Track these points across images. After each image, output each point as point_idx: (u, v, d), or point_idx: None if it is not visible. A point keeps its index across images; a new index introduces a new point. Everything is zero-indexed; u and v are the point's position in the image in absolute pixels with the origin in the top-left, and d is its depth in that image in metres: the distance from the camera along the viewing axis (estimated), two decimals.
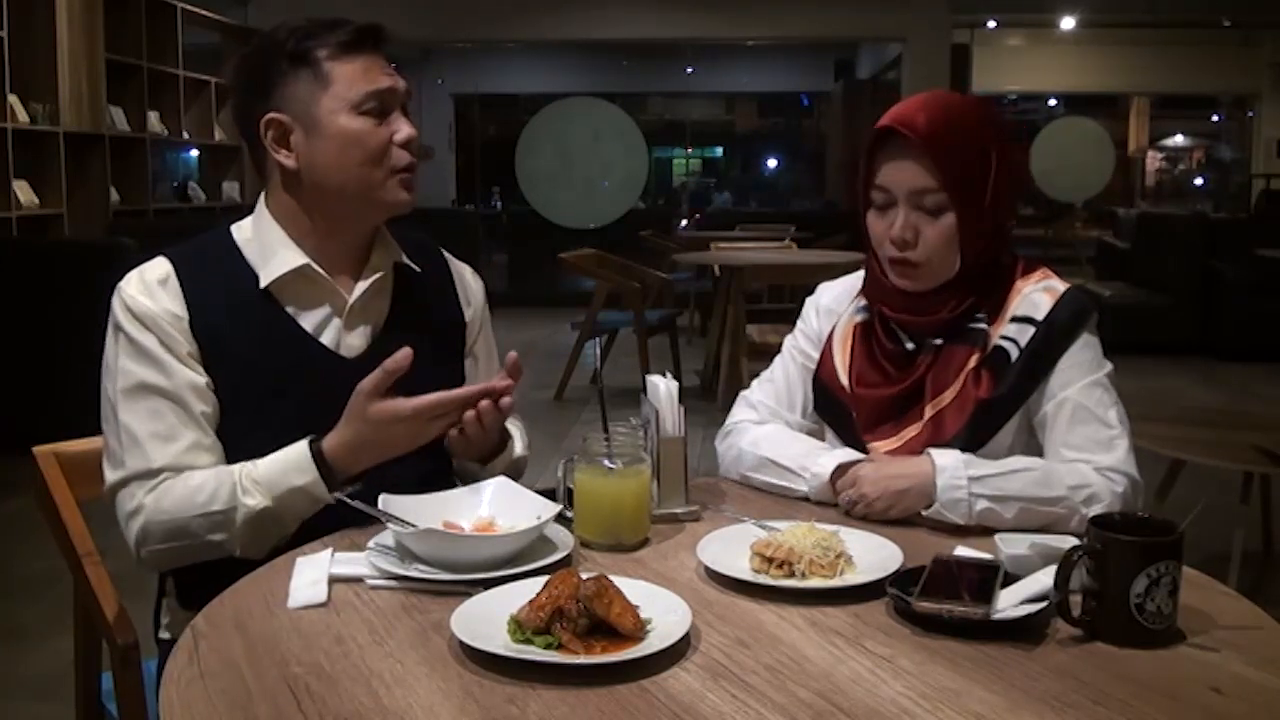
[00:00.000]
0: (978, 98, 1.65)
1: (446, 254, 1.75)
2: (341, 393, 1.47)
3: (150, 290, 1.50)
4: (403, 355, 1.44)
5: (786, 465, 1.60)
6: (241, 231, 1.59)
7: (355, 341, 1.58)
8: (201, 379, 1.49)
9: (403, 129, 1.55)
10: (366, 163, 1.52)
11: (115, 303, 1.51)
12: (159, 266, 1.53)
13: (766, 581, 1.25)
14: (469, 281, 1.75)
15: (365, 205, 1.56)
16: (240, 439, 1.49)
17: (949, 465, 1.46)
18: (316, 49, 1.52)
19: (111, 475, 1.48)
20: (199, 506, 1.43)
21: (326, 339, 1.56)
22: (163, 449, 1.46)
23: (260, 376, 1.51)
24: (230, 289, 1.53)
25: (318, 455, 1.45)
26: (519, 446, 1.69)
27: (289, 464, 1.46)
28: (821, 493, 1.55)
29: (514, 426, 1.69)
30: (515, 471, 1.67)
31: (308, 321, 1.56)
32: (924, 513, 1.46)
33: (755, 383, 1.80)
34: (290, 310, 1.55)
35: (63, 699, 1.73)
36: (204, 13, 8.43)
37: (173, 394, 1.48)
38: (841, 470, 1.53)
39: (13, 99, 6.03)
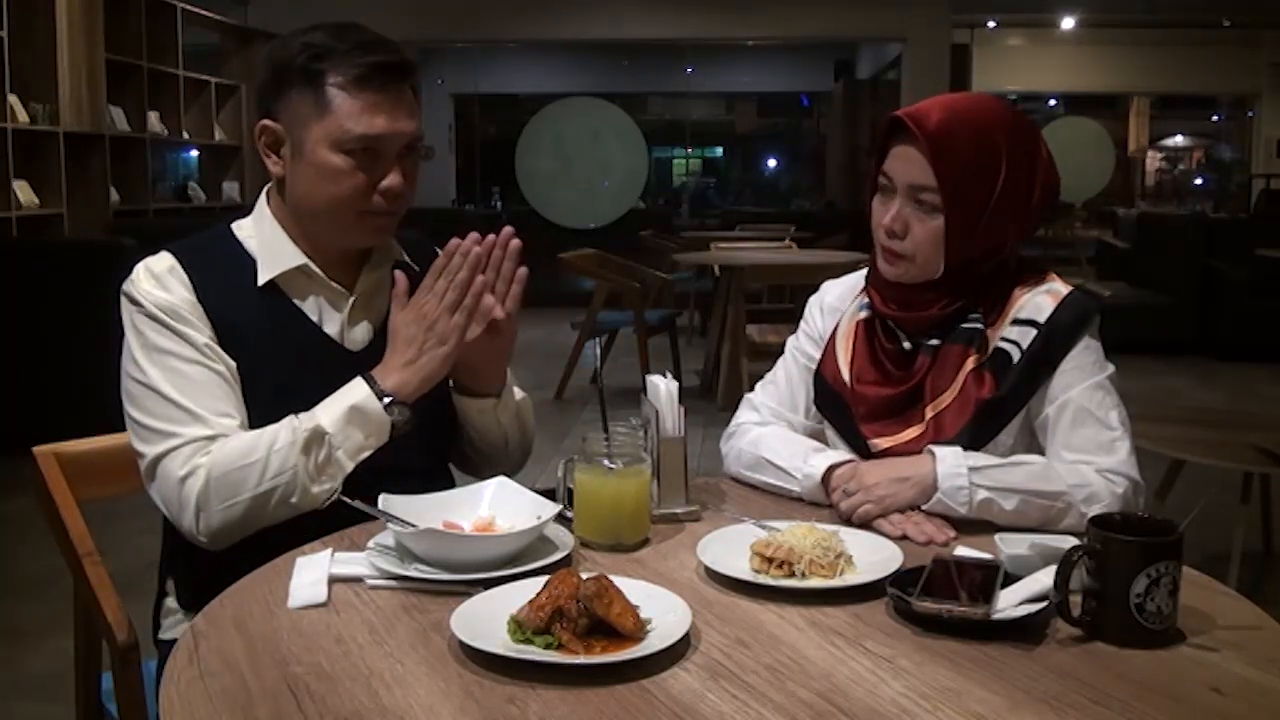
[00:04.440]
0: (1012, 109, 1.62)
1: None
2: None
3: (162, 281, 1.50)
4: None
5: (780, 465, 1.60)
6: (242, 229, 1.59)
7: (359, 335, 1.59)
8: (230, 360, 1.50)
9: (388, 179, 1.50)
10: (335, 201, 1.50)
11: (131, 298, 1.50)
12: (163, 259, 1.53)
13: (766, 581, 1.25)
14: None
15: (332, 235, 1.56)
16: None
17: (949, 455, 1.46)
18: (328, 73, 1.48)
19: (157, 447, 1.45)
20: (260, 449, 1.43)
21: (330, 332, 1.57)
22: (216, 419, 1.46)
23: (269, 367, 1.52)
24: (234, 281, 1.54)
25: (367, 377, 1.49)
26: (517, 392, 1.70)
27: (340, 392, 1.48)
28: (813, 493, 1.55)
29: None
30: (523, 420, 1.70)
31: (312, 314, 1.57)
32: (924, 507, 1.46)
33: (759, 385, 1.80)
34: (295, 301, 1.56)
35: (63, 699, 1.73)
36: (204, 13, 8.44)
37: (214, 368, 1.48)
38: (833, 470, 1.53)
39: (13, 99, 6.03)
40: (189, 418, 1.45)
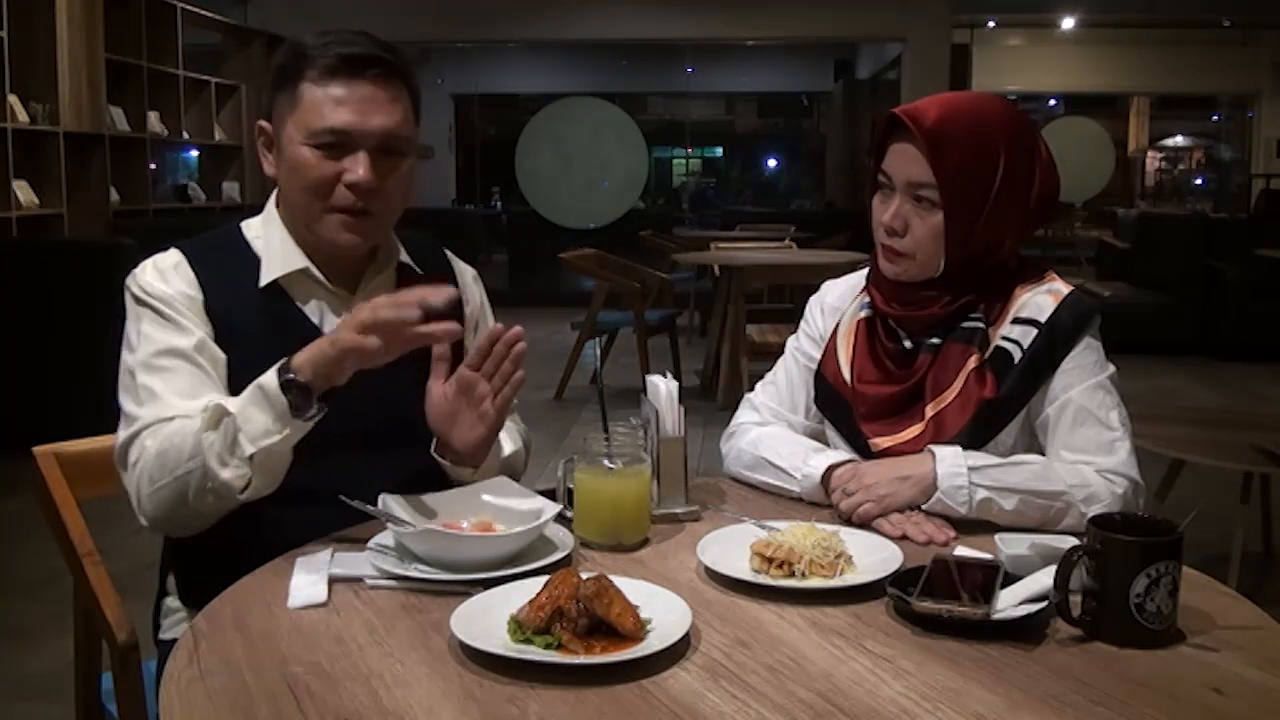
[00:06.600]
0: (1010, 106, 1.61)
1: (450, 254, 1.75)
2: (350, 387, 1.47)
3: (164, 274, 1.52)
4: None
5: (780, 465, 1.60)
6: (250, 229, 1.60)
7: None
8: (221, 355, 1.50)
9: (355, 171, 1.48)
10: (305, 193, 1.50)
11: (132, 287, 1.52)
12: (170, 255, 1.55)
13: (766, 581, 1.25)
14: (469, 283, 1.75)
15: (309, 233, 1.55)
16: None
17: (949, 455, 1.47)
18: (304, 68, 1.49)
19: (124, 434, 1.45)
20: (183, 432, 1.38)
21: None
22: (182, 403, 1.44)
23: (266, 367, 1.51)
24: (239, 280, 1.54)
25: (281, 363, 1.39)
26: (508, 446, 1.65)
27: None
28: (812, 493, 1.55)
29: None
30: (511, 470, 1.66)
31: (314, 316, 1.57)
32: (924, 507, 1.46)
33: (759, 385, 1.80)
34: (298, 304, 1.56)
35: (63, 699, 1.73)
36: (204, 13, 8.44)
37: (195, 359, 1.47)
38: (833, 470, 1.53)
39: (13, 99, 6.03)
40: (155, 404, 1.44)
